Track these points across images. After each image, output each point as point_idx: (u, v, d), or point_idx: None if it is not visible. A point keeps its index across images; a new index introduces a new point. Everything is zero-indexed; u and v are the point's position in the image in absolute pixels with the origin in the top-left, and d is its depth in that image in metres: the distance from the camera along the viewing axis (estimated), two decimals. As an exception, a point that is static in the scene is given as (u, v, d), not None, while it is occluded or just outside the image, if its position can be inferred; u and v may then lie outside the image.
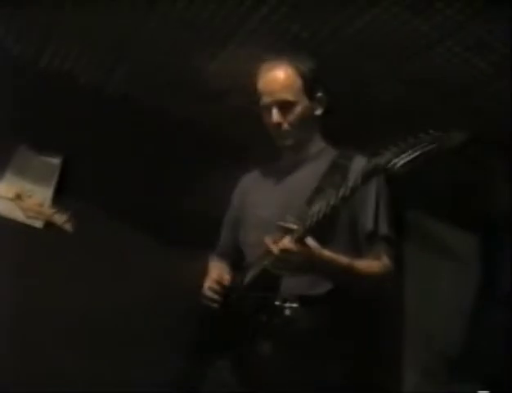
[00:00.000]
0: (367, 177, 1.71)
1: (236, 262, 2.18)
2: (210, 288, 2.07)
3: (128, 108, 3.33)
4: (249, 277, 2.00)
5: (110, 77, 3.25)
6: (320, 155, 2.14)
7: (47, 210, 2.42)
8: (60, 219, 2.43)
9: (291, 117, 2.06)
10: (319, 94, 2.12)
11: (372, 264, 1.94)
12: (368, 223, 1.98)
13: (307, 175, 2.09)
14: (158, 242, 3.25)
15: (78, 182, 3.08)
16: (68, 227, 2.43)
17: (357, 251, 1.97)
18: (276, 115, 2.05)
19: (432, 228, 3.92)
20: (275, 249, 1.76)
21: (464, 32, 2.61)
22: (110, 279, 3.10)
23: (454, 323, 3.81)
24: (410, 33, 2.64)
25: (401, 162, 1.61)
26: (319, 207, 1.75)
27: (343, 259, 1.87)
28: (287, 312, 1.91)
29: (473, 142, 1.63)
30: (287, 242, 1.75)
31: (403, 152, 1.62)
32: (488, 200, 3.73)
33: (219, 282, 2.05)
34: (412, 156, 1.60)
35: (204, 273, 2.20)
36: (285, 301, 1.92)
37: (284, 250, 1.75)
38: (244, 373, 1.95)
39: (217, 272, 2.15)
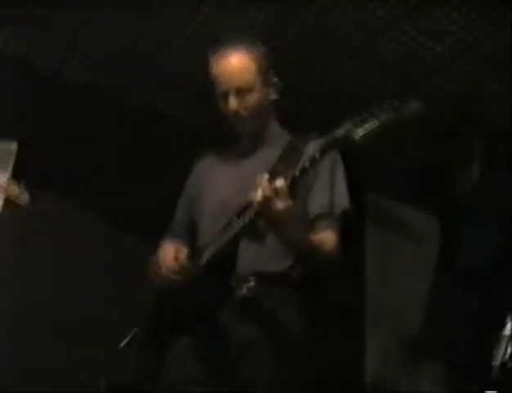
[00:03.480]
0: (326, 149, 1.70)
1: (190, 245, 2.12)
2: (168, 267, 1.99)
3: (85, 94, 3.31)
4: (206, 256, 1.98)
5: (66, 63, 3.23)
6: (275, 140, 2.13)
7: (2, 183, 2.39)
8: (15, 191, 2.40)
9: (248, 103, 2.04)
10: (273, 79, 2.11)
11: (322, 239, 1.94)
12: (321, 199, 1.99)
13: (263, 159, 2.08)
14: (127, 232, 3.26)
15: (36, 168, 3.06)
16: (23, 198, 2.40)
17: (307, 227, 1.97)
18: (233, 102, 2.02)
19: (393, 210, 3.95)
20: (268, 190, 1.72)
21: (419, 15, 2.63)
22: (77, 270, 3.10)
23: (416, 305, 3.79)
24: (366, 17, 2.66)
25: (360, 133, 1.61)
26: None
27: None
28: (244, 290, 1.90)
29: (429, 111, 1.63)
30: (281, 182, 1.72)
31: (362, 123, 1.62)
32: (449, 181, 3.76)
33: (177, 259, 1.99)
34: (371, 127, 1.61)
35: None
36: (241, 279, 1.90)
37: (276, 190, 1.71)
38: (204, 354, 1.92)
39: (173, 250, 2.05)
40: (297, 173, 1.73)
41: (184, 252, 2.00)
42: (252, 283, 1.91)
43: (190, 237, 2.19)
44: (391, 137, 1.59)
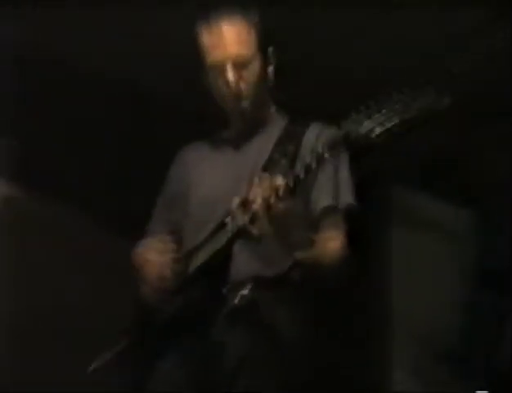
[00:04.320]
0: (337, 147, 1.53)
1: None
2: (152, 286, 1.84)
3: (85, 93, 3.27)
4: (198, 261, 1.79)
5: (66, 62, 3.20)
6: (270, 121, 1.94)
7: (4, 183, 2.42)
8: (17, 191, 2.42)
9: (248, 75, 1.81)
10: (270, 48, 1.88)
11: (327, 240, 1.76)
12: (325, 195, 1.80)
13: (257, 145, 1.89)
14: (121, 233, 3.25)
15: (36, 168, 3.06)
16: (26, 198, 2.42)
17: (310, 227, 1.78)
18: (231, 72, 1.79)
19: (419, 204, 3.61)
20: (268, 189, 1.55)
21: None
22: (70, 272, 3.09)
23: (447, 312, 3.51)
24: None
25: (377, 131, 1.43)
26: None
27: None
28: (238, 298, 1.72)
29: (461, 104, 1.41)
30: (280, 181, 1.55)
31: (378, 117, 1.43)
32: (480, 171, 3.45)
33: (162, 277, 1.81)
34: (391, 123, 1.42)
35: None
36: (236, 286, 1.73)
37: (276, 191, 1.54)
38: (195, 370, 1.74)
39: (158, 264, 1.85)
40: (301, 173, 1.56)
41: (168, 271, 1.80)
42: (246, 291, 1.73)
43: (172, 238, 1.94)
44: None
